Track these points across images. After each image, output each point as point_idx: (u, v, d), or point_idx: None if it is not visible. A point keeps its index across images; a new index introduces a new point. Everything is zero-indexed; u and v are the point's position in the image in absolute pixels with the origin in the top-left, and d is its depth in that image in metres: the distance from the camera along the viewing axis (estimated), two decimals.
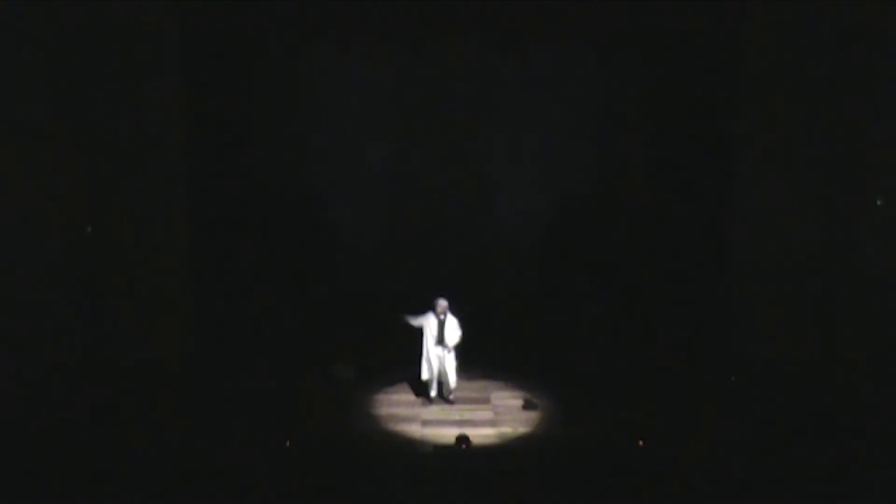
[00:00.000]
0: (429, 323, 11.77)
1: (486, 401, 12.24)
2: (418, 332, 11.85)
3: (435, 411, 11.84)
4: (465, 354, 11.96)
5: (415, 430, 11.20)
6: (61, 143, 11.45)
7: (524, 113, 15.28)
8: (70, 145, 11.62)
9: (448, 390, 11.98)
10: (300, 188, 15.34)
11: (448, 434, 10.68)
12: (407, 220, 15.65)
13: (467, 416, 11.65)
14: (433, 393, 12.01)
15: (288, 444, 10.11)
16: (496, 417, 11.64)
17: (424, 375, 11.93)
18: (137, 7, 11.84)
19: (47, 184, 11.26)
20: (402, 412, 11.81)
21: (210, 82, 13.25)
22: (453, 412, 11.76)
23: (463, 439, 10.21)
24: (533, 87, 15.17)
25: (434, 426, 11.30)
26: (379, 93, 15.28)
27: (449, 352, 11.78)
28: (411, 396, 12.34)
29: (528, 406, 11.89)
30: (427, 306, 11.85)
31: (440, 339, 11.75)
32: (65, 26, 11.33)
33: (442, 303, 11.74)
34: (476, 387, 12.60)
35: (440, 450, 10.40)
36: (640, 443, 10.16)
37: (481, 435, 10.85)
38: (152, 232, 12.41)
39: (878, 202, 11.86)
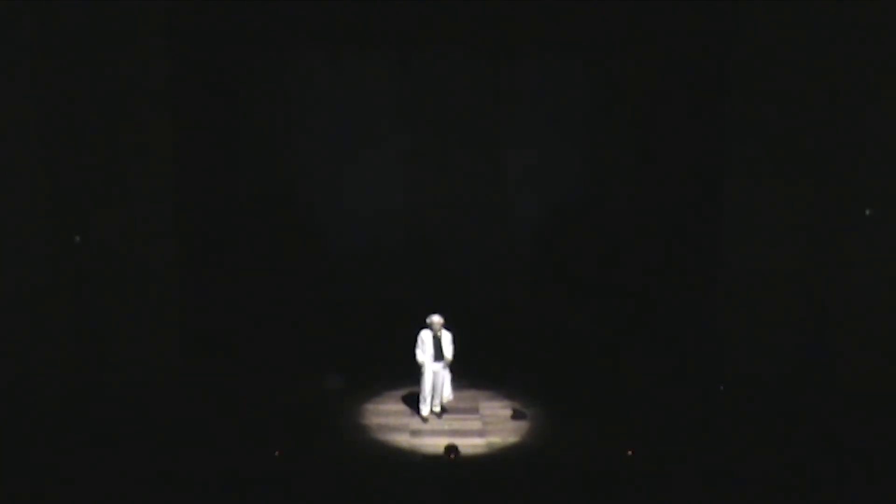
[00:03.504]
0: (426, 341, 11.67)
1: (475, 411, 12.23)
2: (412, 348, 11.72)
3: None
4: (454, 364, 11.90)
5: (404, 441, 11.18)
6: (46, 151, 11.37)
7: (513, 121, 15.30)
8: (55, 154, 11.55)
9: (440, 404, 11.91)
10: (290, 196, 15.32)
11: (437, 444, 10.66)
12: (396, 229, 15.63)
13: (456, 426, 11.63)
14: (425, 412, 11.82)
15: (277, 454, 10.09)
16: (485, 427, 11.63)
17: (425, 395, 11.77)
18: (125, 12, 11.79)
19: (32, 194, 11.19)
20: (391, 422, 11.79)
21: (200, 90, 13.23)
22: (443, 422, 11.75)
23: (452, 449, 10.19)
24: (523, 94, 15.20)
25: (423, 436, 11.29)
26: (370, 100, 15.28)
27: (445, 367, 11.73)
28: (401, 406, 12.32)
29: (516, 416, 11.89)
30: (415, 316, 11.83)
31: (439, 356, 11.67)
32: (51, 30, 11.26)
33: (437, 319, 11.65)
34: (465, 397, 12.57)
35: (429, 460, 10.39)
36: (629, 453, 10.17)
37: (470, 445, 10.85)
38: (140, 239, 12.34)
39: (867, 212, 11.93)
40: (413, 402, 12.09)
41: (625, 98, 14.98)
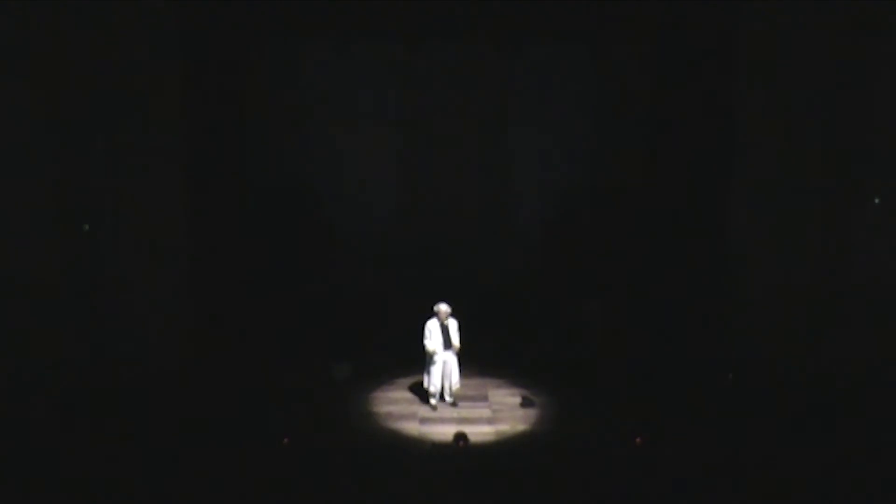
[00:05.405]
0: (433, 330, 11.68)
1: (484, 398, 12.25)
2: (419, 336, 11.71)
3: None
4: (463, 352, 11.91)
5: (413, 428, 11.21)
6: (57, 143, 11.38)
7: (522, 111, 15.24)
8: (66, 145, 11.55)
9: (451, 392, 11.94)
10: (298, 187, 15.29)
11: (446, 432, 10.67)
12: (404, 219, 15.61)
13: (465, 413, 11.66)
14: (434, 401, 11.87)
15: (286, 441, 10.11)
16: (494, 415, 11.65)
17: (435, 384, 11.79)
18: (135, 5, 11.78)
19: (43, 186, 11.20)
20: (399, 410, 11.82)
21: (208, 82, 13.21)
22: (451, 410, 11.76)
23: (461, 437, 10.20)
24: (531, 84, 15.14)
25: (432, 424, 11.31)
26: (377, 91, 15.24)
27: (454, 355, 11.74)
28: (409, 394, 12.34)
29: (525, 404, 11.91)
30: (421, 305, 11.85)
31: (447, 344, 11.67)
32: (62, 25, 11.26)
33: (443, 308, 11.67)
34: (474, 384, 12.60)
35: (438, 447, 10.41)
36: (638, 441, 10.17)
37: (479, 433, 10.85)
38: (149, 231, 12.34)
39: (876, 200, 11.90)
40: (421, 390, 12.11)
41: (637, 85, 14.82)
